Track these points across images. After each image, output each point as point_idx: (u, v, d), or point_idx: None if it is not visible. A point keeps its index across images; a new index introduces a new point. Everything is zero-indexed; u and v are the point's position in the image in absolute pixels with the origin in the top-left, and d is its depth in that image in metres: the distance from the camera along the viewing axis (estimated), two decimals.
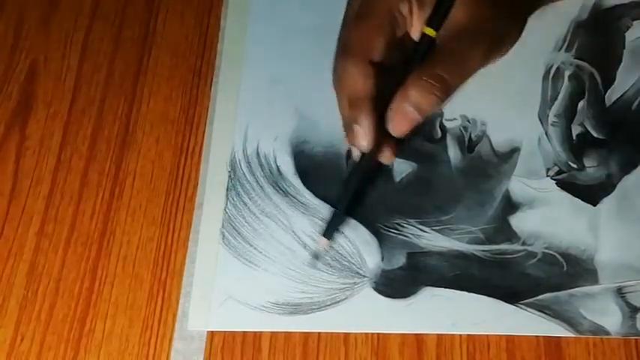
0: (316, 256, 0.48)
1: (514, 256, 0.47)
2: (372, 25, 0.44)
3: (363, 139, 0.44)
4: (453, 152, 0.51)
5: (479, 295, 0.46)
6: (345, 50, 0.45)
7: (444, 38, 0.45)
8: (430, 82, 0.43)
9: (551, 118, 0.51)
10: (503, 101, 0.52)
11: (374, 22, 0.45)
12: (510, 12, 0.49)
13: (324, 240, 0.47)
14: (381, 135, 0.44)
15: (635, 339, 0.45)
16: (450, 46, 0.44)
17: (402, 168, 0.51)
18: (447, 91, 0.44)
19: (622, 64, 0.53)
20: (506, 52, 0.50)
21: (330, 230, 0.47)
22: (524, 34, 0.53)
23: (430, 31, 0.44)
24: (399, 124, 0.43)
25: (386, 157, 0.46)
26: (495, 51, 0.48)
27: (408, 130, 0.44)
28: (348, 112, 0.44)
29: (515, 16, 0.50)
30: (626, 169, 0.50)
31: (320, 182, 0.51)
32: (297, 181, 0.51)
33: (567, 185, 0.49)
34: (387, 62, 0.45)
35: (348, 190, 0.48)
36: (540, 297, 0.46)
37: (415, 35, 0.46)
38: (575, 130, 0.51)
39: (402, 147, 0.48)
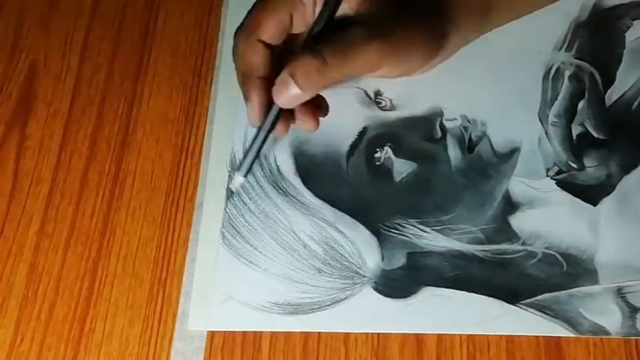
0: (231, 192, 0.48)
1: (514, 256, 0.47)
2: (268, 7, 0.45)
3: (251, 116, 0.44)
4: (453, 152, 0.51)
5: (479, 295, 0.46)
6: (240, 27, 0.46)
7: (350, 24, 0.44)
8: (311, 58, 0.42)
9: (552, 118, 0.51)
10: (504, 101, 0.52)
11: (271, 3, 0.45)
12: (416, 22, 0.46)
13: (239, 177, 0.45)
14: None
15: (635, 339, 0.45)
16: (347, 33, 0.43)
17: (402, 168, 0.51)
18: (324, 71, 0.42)
19: (622, 64, 0.53)
20: (417, 68, 0.48)
21: (244, 166, 0.45)
22: (524, 33, 0.53)
23: None
24: (279, 94, 0.43)
25: (277, 132, 0.46)
26: (393, 58, 0.45)
27: (290, 102, 0.44)
28: (241, 88, 0.45)
29: (423, 29, 0.47)
30: (626, 169, 0.50)
31: (320, 182, 0.51)
32: (297, 181, 0.51)
33: (567, 185, 0.49)
34: (281, 45, 0.45)
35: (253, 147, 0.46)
36: (540, 297, 0.46)
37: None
38: (576, 130, 0.51)
39: (290, 121, 0.46)
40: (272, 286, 0.48)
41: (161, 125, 0.54)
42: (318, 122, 0.47)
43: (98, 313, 0.48)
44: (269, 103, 0.44)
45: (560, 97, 0.52)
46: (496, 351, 0.45)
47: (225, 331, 0.47)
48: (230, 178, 0.50)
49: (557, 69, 0.53)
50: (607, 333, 0.45)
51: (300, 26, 0.46)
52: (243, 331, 0.47)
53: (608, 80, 0.52)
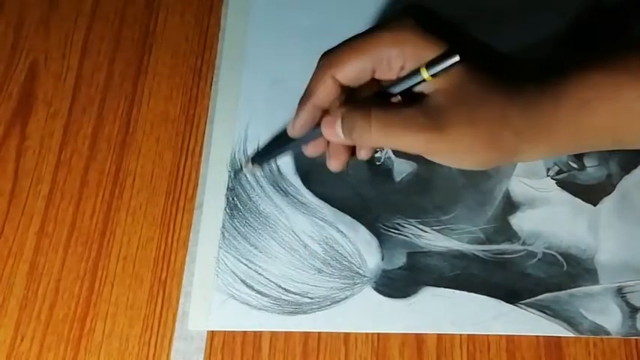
0: (238, 170, 0.50)
1: (514, 255, 0.47)
2: (358, 50, 0.43)
3: (290, 130, 0.47)
4: None
5: (479, 295, 0.46)
6: (327, 53, 0.45)
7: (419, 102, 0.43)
8: (359, 116, 0.43)
9: None
10: None
11: (362, 47, 0.43)
12: (484, 130, 0.42)
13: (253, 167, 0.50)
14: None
15: (635, 339, 0.45)
16: (403, 109, 0.42)
17: (402, 168, 0.51)
18: (362, 136, 0.43)
19: None
20: (475, 168, 0.45)
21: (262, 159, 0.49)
22: (524, 33, 0.53)
23: (424, 73, 0.42)
24: (325, 127, 0.45)
25: (307, 151, 0.48)
26: (443, 155, 0.44)
27: (332, 139, 0.45)
28: (300, 100, 0.46)
29: (489, 142, 0.42)
30: (627, 168, 0.50)
31: (320, 182, 0.51)
32: (297, 181, 0.51)
33: (567, 185, 0.49)
34: (353, 87, 0.45)
35: (274, 144, 0.49)
36: (540, 297, 0.46)
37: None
38: None
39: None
40: (272, 286, 0.48)
41: (161, 125, 0.54)
42: (342, 166, 0.48)
43: (98, 313, 0.48)
44: (312, 125, 0.46)
45: None
46: (496, 351, 0.45)
47: (225, 331, 0.47)
48: (245, 162, 0.51)
49: None
50: (607, 333, 0.45)
51: (384, 76, 0.44)
52: (243, 331, 0.47)
53: None
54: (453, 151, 0.42)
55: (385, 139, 0.42)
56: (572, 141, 0.42)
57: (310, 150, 0.48)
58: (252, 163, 0.50)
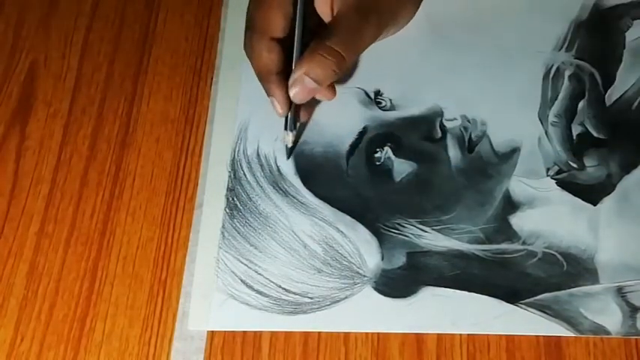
0: (287, 147, 0.51)
1: (514, 255, 0.47)
2: (273, 3, 0.47)
3: (278, 108, 0.49)
4: (453, 152, 0.51)
5: (479, 295, 0.46)
6: (249, 27, 0.48)
7: (338, 12, 0.47)
8: (324, 57, 0.46)
9: (552, 118, 0.51)
10: (504, 101, 0.52)
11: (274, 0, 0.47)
12: None
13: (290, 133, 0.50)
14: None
15: (636, 339, 0.45)
16: (343, 21, 0.47)
17: (402, 168, 0.51)
18: (341, 64, 0.46)
19: (622, 63, 0.53)
20: (403, 25, 0.52)
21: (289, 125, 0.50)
22: (524, 33, 0.53)
23: None
24: (298, 94, 0.47)
25: (302, 117, 0.51)
26: (389, 25, 0.50)
27: (308, 98, 0.48)
28: (262, 84, 0.49)
29: None
30: (626, 169, 0.50)
31: (320, 182, 0.51)
32: (297, 181, 0.51)
33: (567, 185, 0.49)
34: (290, 36, 0.48)
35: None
36: (540, 297, 0.46)
37: (318, 8, 0.49)
38: (576, 129, 0.51)
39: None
40: (272, 286, 0.48)
41: (161, 125, 0.54)
42: (335, 91, 0.50)
43: (98, 313, 0.48)
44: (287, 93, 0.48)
45: (560, 96, 0.52)
46: (496, 351, 0.45)
47: (225, 331, 0.47)
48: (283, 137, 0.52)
49: (558, 69, 0.53)
50: (607, 332, 0.45)
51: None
52: (243, 331, 0.47)
53: (608, 80, 0.52)
54: (392, 17, 0.49)
55: (356, 54, 0.48)
56: None
57: (304, 117, 0.51)
58: (286, 134, 0.51)
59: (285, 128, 0.50)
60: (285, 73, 0.48)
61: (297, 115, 0.50)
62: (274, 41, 0.48)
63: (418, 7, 0.52)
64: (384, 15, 0.49)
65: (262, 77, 0.49)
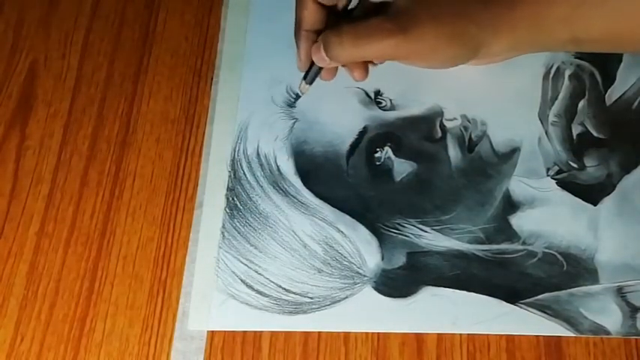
0: (298, 96, 0.52)
1: (514, 255, 0.47)
2: None
3: (298, 62, 0.49)
4: (453, 152, 0.51)
5: (479, 295, 0.46)
6: None
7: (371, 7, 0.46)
8: (332, 35, 0.45)
9: (552, 118, 0.51)
10: (504, 101, 0.52)
11: None
12: (446, 26, 0.45)
13: (306, 85, 0.49)
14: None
15: (636, 339, 0.45)
16: (369, 20, 0.45)
17: (402, 168, 0.51)
18: (340, 52, 0.45)
19: (622, 63, 0.53)
20: (444, 67, 0.48)
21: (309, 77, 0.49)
22: None
23: None
24: (313, 55, 0.47)
25: (322, 77, 0.49)
26: (412, 56, 0.46)
27: (322, 64, 0.47)
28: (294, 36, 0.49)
29: (452, 37, 0.45)
30: (627, 168, 0.50)
31: (320, 182, 0.51)
32: (297, 181, 0.51)
33: (567, 185, 0.49)
34: (333, 5, 0.47)
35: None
36: (540, 296, 0.46)
37: None
38: (576, 129, 0.51)
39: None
40: (272, 285, 0.48)
41: (161, 125, 0.54)
42: (364, 74, 0.49)
43: (98, 312, 0.48)
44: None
45: (560, 96, 0.52)
46: (496, 351, 0.45)
47: (225, 331, 0.47)
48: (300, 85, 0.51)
49: (558, 68, 0.53)
50: (607, 332, 0.45)
51: None
52: (243, 331, 0.47)
53: (609, 79, 0.52)
54: (419, 51, 0.45)
55: (357, 51, 0.45)
56: (532, 33, 0.45)
57: (325, 76, 0.49)
58: (303, 84, 0.50)
59: (304, 78, 0.49)
60: (318, 33, 0.47)
61: (319, 71, 0.49)
62: (317, 3, 0.46)
63: (460, 64, 0.48)
64: (407, 45, 0.45)
65: (295, 29, 0.48)
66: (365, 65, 0.49)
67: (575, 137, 0.51)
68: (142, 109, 0.55)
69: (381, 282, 0.47)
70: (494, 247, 0.48)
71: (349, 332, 0.46)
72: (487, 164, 0.50)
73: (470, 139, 0.51)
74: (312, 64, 0.48)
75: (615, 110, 0.51)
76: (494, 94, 0.53)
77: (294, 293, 0.47)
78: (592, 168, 0.50)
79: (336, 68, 0.49)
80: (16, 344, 0.47)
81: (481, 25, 0.44)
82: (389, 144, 0.51)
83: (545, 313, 0.46)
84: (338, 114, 0.52)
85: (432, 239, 0.48)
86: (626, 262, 0.47)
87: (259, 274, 0.48)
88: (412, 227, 0.49)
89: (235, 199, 0.51)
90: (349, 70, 0.49)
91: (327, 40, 0.46)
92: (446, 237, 0.48)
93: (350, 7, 0.48)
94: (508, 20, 0.44)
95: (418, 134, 0.52)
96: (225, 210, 0.50)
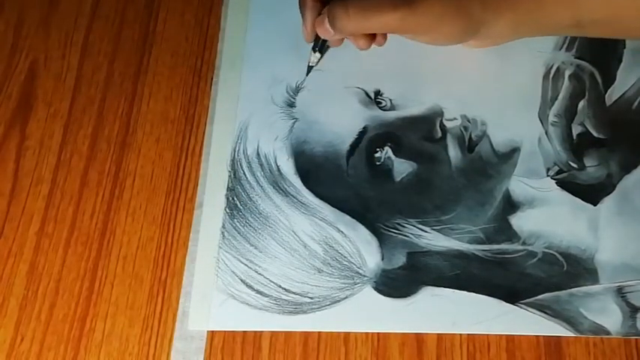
0: (310, 67, 0.52)
1: (514, 255, 0.47)
2: None
3: (304, 33, 0.50)
4: (453, 152, 0.51)
5: (479, 295, 0.46)
6: None
7: None
8: (339, 7, 0.46)
9: (552, 118, 0.51)
10: (504, 101, 0.52)
11: None
12: (452, 3, 0.46)
13: (316, 54, 0.51)
14: None
15: (636, 339, 0.45)
16: None
17: (402, 168, 0.51)
18: (346, 24, 0.46)
19: (622, 63, 0.53)
20: (447, 44, 0.49)
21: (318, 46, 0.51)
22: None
23: None
24: (317, 26, 0.48)
25: (331, 44, 0.51)
26: (417, 30, 0.47)
27: (326, 36, 0.48)
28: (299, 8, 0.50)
29: (457, 12, 0.46)
30: (627, 168, 0.50)
31: (320, 182, 0.51)
32: (297, 181, 0.51)
33: (567, 185, 0.49)
34: None
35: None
36: (540, 297, 0.46)
37: None
38: (576, 129, 0.51)
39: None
40: (272, 285, 0.48)
41: (161, 125, 0.54)
42: (368, 44, 0.50)
43: (98, 312, 0.48)
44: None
45: (560, 96, 0.52)
46: (496, 351, 0.45)
47: (225, 331, 0.47)
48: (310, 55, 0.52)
49: (558, 68, 0.53)
50: (607, 333, 0.45)
51: None
52: (243, 331, 0.47)
53: (609, 80, 0.52)
54: (424, 24, 0.46)
55: (363, 23, 0.46)
56: (534, 15, 0.46)
57: (334, 44, 0.50)
58: (312, 55, 0.51)
59: (313, 48, 0.50)
60: (322, 3, 0.48)
61: (327, 40, 0.50)
62: None
63: (462, 42, 0.49)
64: (414, 19, 0.46)
65: (300, 3, 0.49)
66: (369, 37, 0.50)
67: (575, 137, 0.51)
68: (142, 109, 0.55)
69: (381, 282, 0.47)
70: (495, 247, 0.48)
71: (349, 332, 0.46)
72: (487, 164, 0.50)
73: (470, 139, 0.51)
74: (316, 37, 0.49)
75: (615, 110, 0.51)
76: (495, 94, 0.53)
77: (294, 293, 0.47)
78: (592, 168, 0.50)
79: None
80: (16, 344, 0.47)
81: (485, 2, 0.46)
82: (389, 144, 0.51)
83: (545, 313, 0.46)
84: (338, 114, 0.52)
85: (432, 239, 0.48)
86: (626, 262, 0.47)
87: (259, 274, 0.48)
88: (412, 227, 0.49)
89: (235, 199, 0.51)
90: (354, 39, 0.50)
91: (333, 11, 0.46)
92: (446, 237, 0.48)
93: None
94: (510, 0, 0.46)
95: (418, 134, 0.52)
96: (225, 210, 0.50)
